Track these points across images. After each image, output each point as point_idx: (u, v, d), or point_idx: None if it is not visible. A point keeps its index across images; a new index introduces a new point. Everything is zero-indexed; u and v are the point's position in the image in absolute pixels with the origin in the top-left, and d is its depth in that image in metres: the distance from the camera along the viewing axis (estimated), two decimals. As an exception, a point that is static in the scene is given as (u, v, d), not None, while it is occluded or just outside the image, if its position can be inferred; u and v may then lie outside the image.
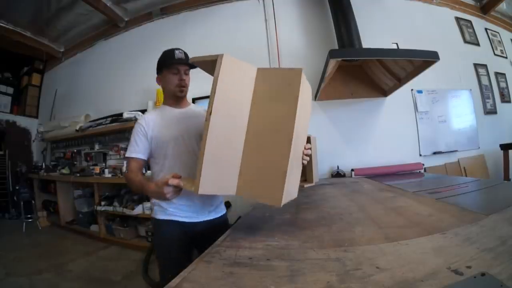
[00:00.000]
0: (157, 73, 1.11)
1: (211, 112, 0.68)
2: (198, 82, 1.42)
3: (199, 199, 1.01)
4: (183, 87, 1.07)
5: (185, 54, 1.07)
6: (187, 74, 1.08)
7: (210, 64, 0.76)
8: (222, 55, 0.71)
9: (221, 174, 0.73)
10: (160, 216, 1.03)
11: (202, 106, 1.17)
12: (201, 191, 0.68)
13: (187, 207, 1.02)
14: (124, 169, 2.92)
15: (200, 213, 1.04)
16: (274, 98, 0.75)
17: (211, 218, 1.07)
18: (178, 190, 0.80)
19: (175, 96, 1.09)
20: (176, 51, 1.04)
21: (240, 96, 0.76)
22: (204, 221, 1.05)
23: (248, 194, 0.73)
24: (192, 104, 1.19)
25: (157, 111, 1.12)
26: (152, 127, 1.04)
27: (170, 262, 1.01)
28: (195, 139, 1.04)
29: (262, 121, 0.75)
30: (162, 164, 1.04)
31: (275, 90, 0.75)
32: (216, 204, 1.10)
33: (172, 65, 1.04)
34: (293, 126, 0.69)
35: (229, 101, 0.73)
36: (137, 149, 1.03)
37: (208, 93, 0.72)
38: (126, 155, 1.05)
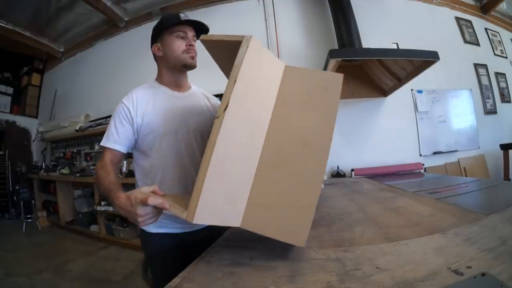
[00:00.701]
0: (153, 41, 0.87)
1: (226, 107, 0.51)
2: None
3: None
4: (193, 53, 0.84)
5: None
6: (195, 41, 0.85)
7: (227, 48, 0.58)
8: (250, 37, 0.54)
9: (226, 198, 0.53)
10: (151, 229, 0.84)
11: (202, 91, 0.99)
12: (196, 220, 0.48)
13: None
14: (124, 169, 2.92)
15: None
16: (305, 103, 0.60)
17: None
18: (157, 212, 0.59)
19: (183, 66, 0.85)
20: (181, 14, 0.83)
21: (264, 95, 0.59)
22: (202, 229, 0.88)
23: (257, 228, 0.54)
24: (193, 86, 0.96)
25: (148, 90, 0.86)
26: (142, 112, 0.81)
27: (167, 277, 0.88)
28: (194, 135, 0.85)
29: (288, 130, 0.58)
30: (153, 159, 0.83)
31: (306, 93, 0.61)
32: None
33: (178, 25, 0.82)
34: (330, 140, 0.55)
35: (250, 97, 0.56)
36: (115, 137, 0.80)
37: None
38: (101, 144, 0.81)
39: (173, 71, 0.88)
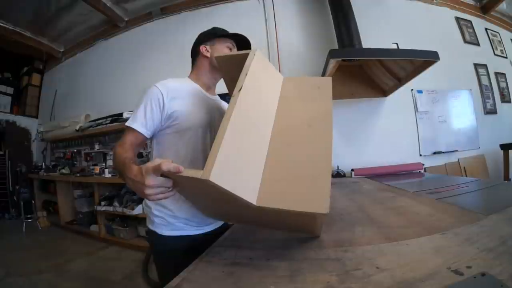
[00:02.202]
0: (202, 42, 0.94)
1: (240, 89, 0.58)
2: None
3: None
4: None
5: None
6: None
7: (238, 65, 0.67)
8: (256, 49, 0.70)
9: (242, 167, 0.53)
10: (165, 231, 0.83)
11: (225, 103, 1.05)
12: (212, 177, 0.45)
13: (198, 218, 0.84)
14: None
15: (213, 219, 0.88)
16: (304, 97, 0.71)
17: (223, 222, 0.93)
18: (168, 187, 0.54)
19: (218, 75, 0.95)
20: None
21: (269, 89, 0.71)
22: (214, 229, 0.89)
23: (275, 202, 0.51)
24: (217, 96, 1.04)
25: (182, 83, 0.89)
26: (174, 101, 0.81)
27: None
28: (215, 135, 0.89)
29: (292, 117, 0.66)
30: (170, 149, 0.81)
31: (304, 91, 0.73)
32: None
33: (231, 37, 0.94)
34: (331, 122, 0.62)
35: (258, 88, 0.66)
36: (143, 121, 0.78)
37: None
38: (127, 124, 0.80)
39: (212, 73, 0.94)
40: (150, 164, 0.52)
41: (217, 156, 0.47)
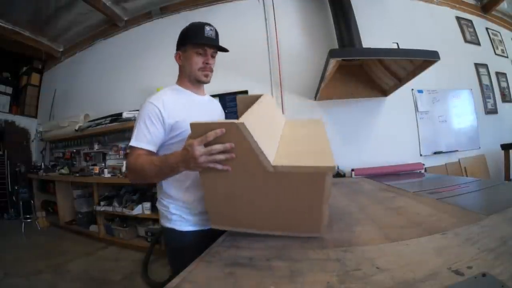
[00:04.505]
0: (178, 48, 0.91)
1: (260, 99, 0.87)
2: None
3: None
4: (208, 71, 0.90)
5: (216, 32, 0.89)
6: (213, 57, 0.91)
7: (252, 102, 0.84)
8: (266, 94, 0.95)
9: (261, 137, 0.64)
10: (183, 227, 0.88)
11: (216, 100, 1.10)
12: (246, 123, 0.57)
13: None
14: (124, 168, 2.92)
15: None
16: (303, 126, 1.00)
17: None
18: (213, 155, 0.60)
19: (196, 80, 0.92)
20: (207, 28, 0.86)
21: (277, 115, 0.95)
22: None
23: (287, 163, 0.62)
24: (207, 94, 1.04)
25: (173, 92, 0.90)
26: (172, 112, 0.82)
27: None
28: None
29: (294, 135, 0.87)
30: None
31: (302, 123, 1.06)
32: None
33: (199, 44, 0.86)
34: (325, 135, 0.84)
35: (272, 107, 0.92)
36: (148, 137, 0.79)
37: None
38: (132, 144, 0.80)
39: (190, 81, 0.94)
40: (191, 140, 0.61)
41: (248, 116, 0.62)
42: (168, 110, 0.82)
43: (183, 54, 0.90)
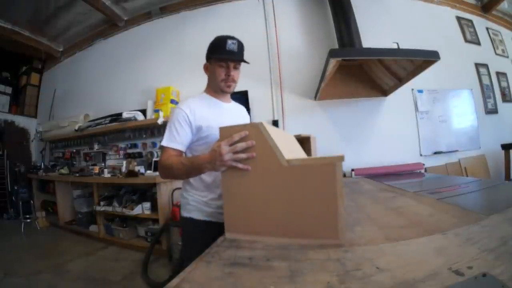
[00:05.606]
0: (206, 59, 1.00)
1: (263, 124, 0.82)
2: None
3: None
4: (230, 82, 0.97)
5: (239, 44, 0.95)
6: (237, 68, 0.98)
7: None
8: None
9: (276, 140, 0.74)
10: (200, 216, 0.97)
11: (242, 106, 1.16)
12: (264, 124, 0.71)
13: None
14: (123, 168, 2.92)
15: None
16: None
17: None
18: (236, 154, 0.70)
19: (220, 90, 0.99)
20: (229, 41, 0.92)
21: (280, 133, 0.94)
22: None
23: (301, 161, 0.69)
24: (233, 101, 1.12)
25: (201, 100, 0.99)
26: (199, 117, 0.92)
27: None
28: None
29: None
30: None
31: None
32: None
33: (220, 57, 0.94)
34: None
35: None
36: (177, 138, 0.90)
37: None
38: (163, 144, 0.91)
39: (215, 90, 1.02)
40: (219, 142, 0.73)
41: (264, 122, 0.72)
42: (194, 115, 0.92)
43: (210, 66, 0.99)
